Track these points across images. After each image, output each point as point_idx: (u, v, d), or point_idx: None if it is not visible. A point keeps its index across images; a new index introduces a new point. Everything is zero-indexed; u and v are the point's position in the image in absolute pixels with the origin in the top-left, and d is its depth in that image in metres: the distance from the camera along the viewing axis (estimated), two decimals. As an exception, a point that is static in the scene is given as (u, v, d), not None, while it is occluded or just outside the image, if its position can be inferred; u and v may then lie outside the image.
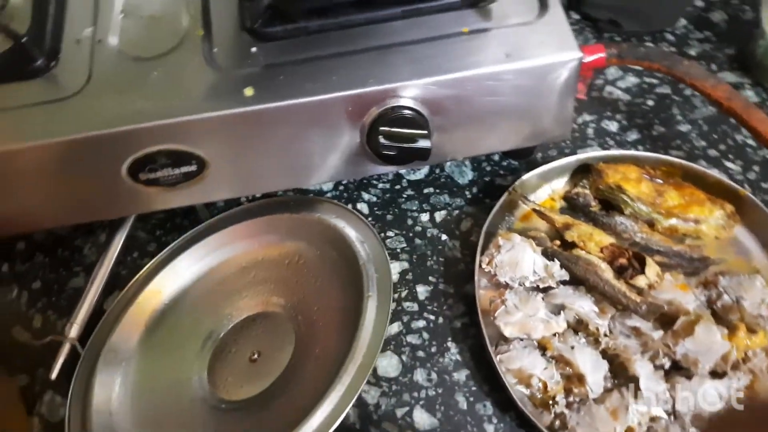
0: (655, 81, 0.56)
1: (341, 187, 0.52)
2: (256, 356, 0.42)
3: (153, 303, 0.46)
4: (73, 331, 0.43)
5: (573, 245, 0.45)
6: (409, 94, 0.43)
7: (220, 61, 0.44)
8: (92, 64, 0.44)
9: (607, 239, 0.44)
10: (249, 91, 0.42)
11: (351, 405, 0.33)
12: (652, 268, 0.42)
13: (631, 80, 0.56)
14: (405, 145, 0.43)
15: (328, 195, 0.52)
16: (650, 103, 0.55)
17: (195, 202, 0.48)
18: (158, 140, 0.42)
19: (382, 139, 0.42)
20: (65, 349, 0.43)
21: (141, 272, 0.47)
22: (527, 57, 0.42)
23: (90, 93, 0.43)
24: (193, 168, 0.44)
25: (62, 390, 0.43)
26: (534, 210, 0.48)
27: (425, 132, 0.43)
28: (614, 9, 0.57)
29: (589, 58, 0.44)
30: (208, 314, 0.45)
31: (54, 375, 0.42)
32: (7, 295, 0.48)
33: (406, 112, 0.42)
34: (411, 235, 0.49)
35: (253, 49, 0.44)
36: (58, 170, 0.43)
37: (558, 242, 0.46)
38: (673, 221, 0.47)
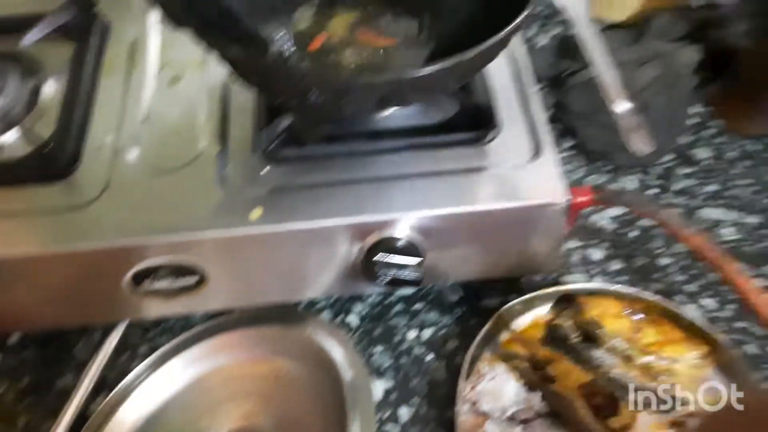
0: (639, 212, 0.59)
1: (332, 298, 0.54)
2: (237, 473, 0.43)
3: (138, 410, 0.46)
4: (58, 435, 0.44)
5: (554, 379, 0.47)
6: (405, 225, 0.45)
7: (232, 179, 0.46)
8: (111, 172, 0.47)
9: (585, 377, 0.46)
10: (257, 213, 0.44)
11: None
12: (626, 410, 0.44)
13: (616, 211, 0.59)
14: (398, 274, 0.45)
15: (321, 304, 0.54)
16: (634, 233, 0.58)
17: (191, 311, 0.50)
18: (164, 253, 0.44)
19: (376, 267, 0.45)
20: (50, 454, 0.43)
21: (128, 377, 0.48)
22: (519, 198, 0.45)
23: (105, 202, 0.45)
24: (194, 281, 0.46)
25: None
26: (516, 339, 0.50)
27: (419, 261, 0.45)
28: (606, 142, 0.61)
29: (577, 200, 0.47)
30: (192, 424, 0.45)
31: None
32: (-4, 389, 0.49)
33: (401, 242, 0.45)
34: (398, 352, 0.51)
35: (264, 171, 0.47)
36: (63, 276, 0.45)
37: (540, 373, 0.48)
38: (650, 358, 0.49)
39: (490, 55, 0.41)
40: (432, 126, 0.50)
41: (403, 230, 0.45)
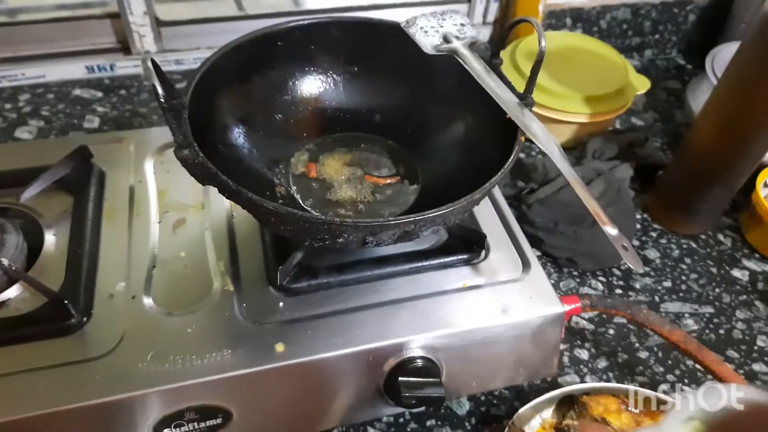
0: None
1: (346, 425, 0.54)
2: None
3: None
4: None
5: (574, 482, 0.49)
6: (421, 345, 0.48)
7: (250, 316, 0.48)
8: (126, 320, 0.47)
9: (605, 477, 0.49)
10: (280, 347, 0.46)
11: None
12: (649, 505, 0.46)
13: (591, 312, 0.65)
14: (422, 393, 0.47)
15: (335, 431, 0.54)
16: (611, 332, 0.63)
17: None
18: (190, 398, 0.44)
19: (402, 389, 0.46)
20: None
21: None
22: (520, 311, 0.50)
23: (124, 351, 0.45)
24: (219, 420, 0.45)
25: None
26: (533, 445, 0.52)
27: (438, 380, 0.47)
28: (570, 250, 0.68)
29: (568, 308, 0.52)
30: None
31: None
32: None
33: (420, 361, 0.47)
34: (419, 473, 0.51)
35: (281, 304, 0.49)
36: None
37: (559, 478, 0.50)
38: (654, 450, 0.52)
39: (487, 193, 0.47)
40: (428, 250, 0.54)
41: (419, 350, 0.48)
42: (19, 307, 0.48)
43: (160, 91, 0.40)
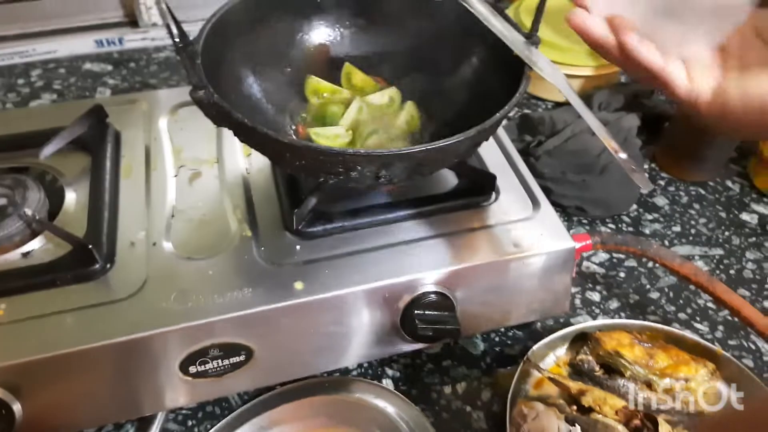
0: (621, 256, 0.66)
1: (365, 365, 0.56)
2: None
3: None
4: None
5: (589, 410, 0.50)
6: (435, 281, 0.49)
7: (269, 258, 0.49)
8: (149, 265, 0.48)
9: (620, 402, 0.50)
10: (299, 285, 0.47)
11: None
12: (664, 427, 0.47)
13: (603, 256, 0.66)
14: (438, 326, 0.48)
15: (354, 373, 0.55)
16: (622, 274, 0.64)
17: (239, 390, 0.50)
18: (213, 335, 0.45)
19: (417, 322, 0.47)
20: None
21: (179, 466, 0.47)
22: (532, 247, 0.51)
23: (147, 293, 0.46)
24: (242, 358, 0.47)
25: None
26: (549, 378, 0.53)
27: (453, 314, 0.48)
28: (579, 198, 0.68)
29: (579, 245, 0.53)
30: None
31: None
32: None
33: (434, 296, 0.49)
34: (437, 408, 0.52)
35: (298, 247, 0.50)
36: (113, 370, 0.45)
37: (575, 407, 0.51)
38: (667, 381, 0.53)
39: (497, 126, 0.48)
40: (438, 195, 0.55)
41: (434, 286, 0.49)
42: (42, 257, 0.49)
43: (174, 30, 0.41)
